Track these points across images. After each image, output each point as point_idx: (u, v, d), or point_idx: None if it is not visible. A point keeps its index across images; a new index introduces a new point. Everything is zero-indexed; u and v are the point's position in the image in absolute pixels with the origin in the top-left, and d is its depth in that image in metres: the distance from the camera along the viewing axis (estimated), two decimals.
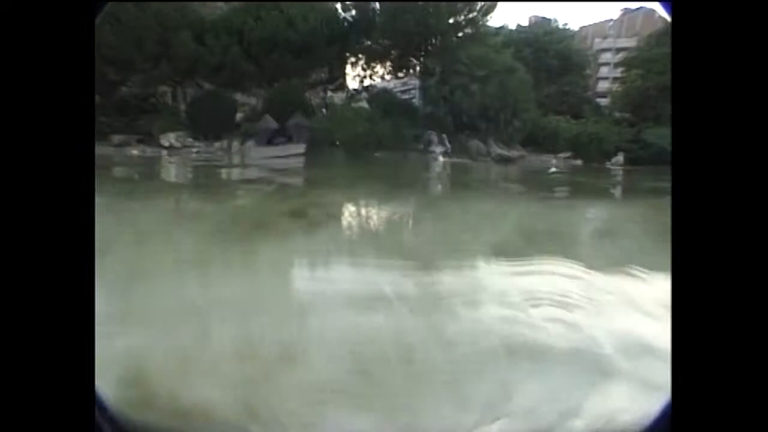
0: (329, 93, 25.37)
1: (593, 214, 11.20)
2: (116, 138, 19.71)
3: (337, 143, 18.02)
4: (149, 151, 19.34)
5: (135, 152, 17.97)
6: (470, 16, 23.95)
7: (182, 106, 21.59)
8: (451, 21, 23.96)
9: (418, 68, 24.49)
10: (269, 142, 18.59)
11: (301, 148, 17.43)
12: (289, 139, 18.53)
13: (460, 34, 23.83)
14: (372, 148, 18.33)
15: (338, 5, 23.67)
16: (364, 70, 24.96)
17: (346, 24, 23.08)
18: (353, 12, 23.19)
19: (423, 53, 24.22)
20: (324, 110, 23.77)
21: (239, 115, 21.15)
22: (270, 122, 18.74)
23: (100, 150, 18.80)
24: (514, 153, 20.90)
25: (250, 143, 19.03)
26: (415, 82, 25.35)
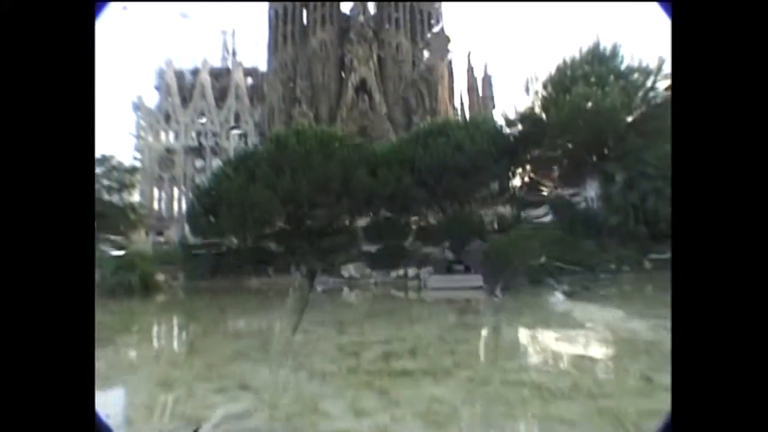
0: (501, 207, 24.72)
1: None
2: (303, 269, 21.40)
3: (519, 270, 16.76)
4: (331, 282, 20.41)
5: (320, 288, 18.97)
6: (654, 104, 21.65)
7: (360, 236, 22.85)
8: (629, 119, 22.07)
9: (595, 174, 22.62)
10: (447, 271, 18.16)
11: (478, 279, 16.54)
12: (467, 269, 17.88)
13: (643, 130, 21.56)
14: (557, 274, 16.62)
15: (502, 121, 23.72)
16: (534, 180, 24.02)
17: (512, 139, 22.78)
18: (519, 126, 22.87)
19: (600, 158, 22.44)
20: (495, 225, 23.04)
21: (415, 241, 21.53)
22: (446, 252, 18.47)
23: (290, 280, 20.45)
24: None
25: (427, 272, 18.86)
26: (593, 188, 23.36)
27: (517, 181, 24.78)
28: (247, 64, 52.62)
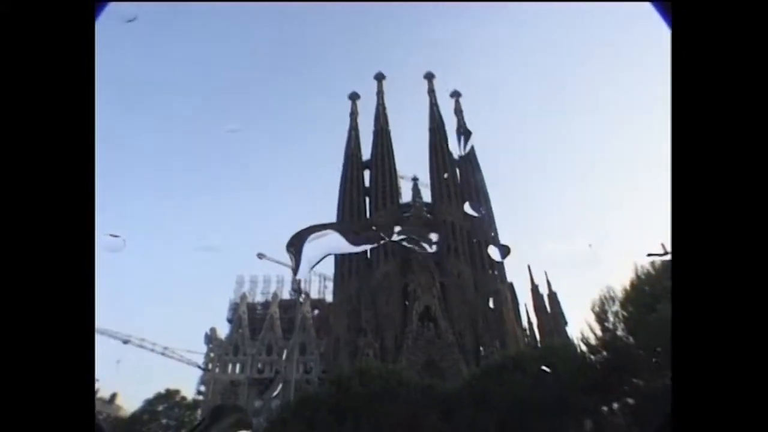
0: None
1: None
2: None
3: None
4: None
5: None
6: None
7: None
8: None
9: None
10: None
11: None
12: None
13: None
14: None
15: (584, 347, 21.46)
16: (638, 415, 20.26)
17: (598, 366, 20.15)
18: (604, 353, 20.46)
19: None
20: None
21: None
22: None
23: None
24: None
25: None
26: None
27: (618, 417, 21.03)
28: (314, 295, 54.94)
